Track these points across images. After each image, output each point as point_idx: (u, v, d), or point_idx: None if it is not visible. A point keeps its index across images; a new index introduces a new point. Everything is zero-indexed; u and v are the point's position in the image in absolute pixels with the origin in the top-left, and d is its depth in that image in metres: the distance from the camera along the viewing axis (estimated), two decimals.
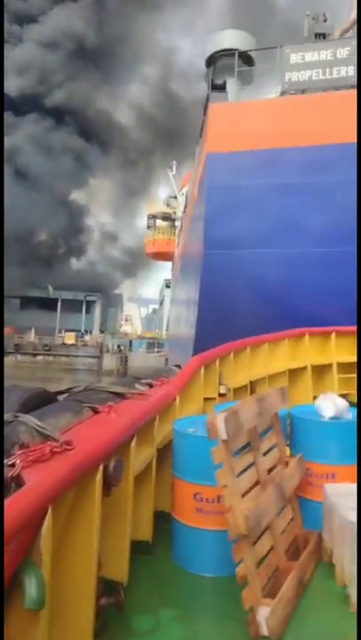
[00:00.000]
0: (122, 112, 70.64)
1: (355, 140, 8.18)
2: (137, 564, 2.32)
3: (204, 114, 10.46)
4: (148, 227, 40.63)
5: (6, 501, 1.19)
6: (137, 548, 2.41)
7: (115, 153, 69.59)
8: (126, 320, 56.09)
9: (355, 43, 8.91)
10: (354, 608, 2.20)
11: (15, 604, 1.27)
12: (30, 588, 1.24)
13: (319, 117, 8.85)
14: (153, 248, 39.56)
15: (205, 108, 10.36)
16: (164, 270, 45.64)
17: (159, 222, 39.58)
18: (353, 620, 2.10)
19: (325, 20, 10.96)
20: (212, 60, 10.91)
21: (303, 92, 9.57)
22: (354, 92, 8.81)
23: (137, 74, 68.08)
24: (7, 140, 56.42)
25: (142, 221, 40.12)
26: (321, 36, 10.50)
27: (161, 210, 40.53)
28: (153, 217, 39.74)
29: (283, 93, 9.81)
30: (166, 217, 37.98)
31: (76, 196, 69.68)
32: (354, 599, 2.21)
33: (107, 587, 2.00)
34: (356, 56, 8.99)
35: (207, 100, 10.49)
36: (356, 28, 9.79)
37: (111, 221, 75.57)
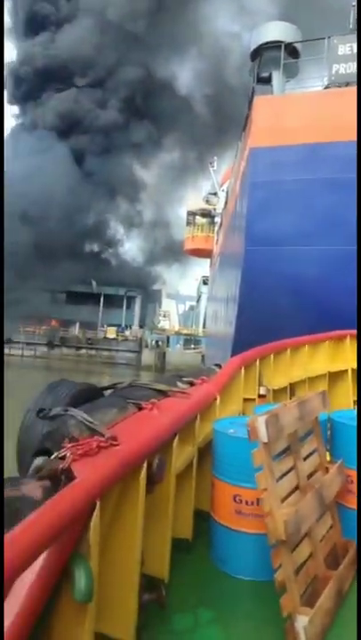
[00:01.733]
0: (181, 88, 67.23)
1: None
2: (177, 562, 2.35)
3: (249, 108, 10.33)
4: (188, 223, 40.68)
5: (59, 494, 1.24)
6: (177, 545, 2.44)
7: (178, 128, 65.97)
8: (164, 316, 56.41)
9: None
10: None
11: (65, 595, 1.32)
12: (80, 580, 1.28)
13: None
14: (192, 245, 39.56)
15: (250, 102, 10.22)
16: (202, 266, 45.61)
17: (198, 219, 39.52)
18: None
19: None
20: (257, 53, 10.74)
21: (347, 84, 9.27)
22: None
23: (187, 58, 65.77)
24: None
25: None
26: None
27: (200, 206, 40.43)
28: (192, 214, 39.74)
29: (327, 86, 9.54)
30: (205, 214, 37.90)
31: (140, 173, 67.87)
32: None
33: (148, 583, 2.04)
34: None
35: (252, 93, 10.35)
36: None
37: (162, 208, 71.76)
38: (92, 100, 60.20)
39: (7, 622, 1.12)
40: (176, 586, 2.24)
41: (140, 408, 2.59)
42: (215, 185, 32.98)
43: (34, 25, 61.12)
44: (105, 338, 47.50)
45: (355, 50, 9.05)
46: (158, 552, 2.16)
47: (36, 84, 61.10)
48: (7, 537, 0.98)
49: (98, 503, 1.39)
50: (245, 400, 4.15)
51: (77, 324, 49.58)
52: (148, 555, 2.00)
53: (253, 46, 10.78)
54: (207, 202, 36.67)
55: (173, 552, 2.29)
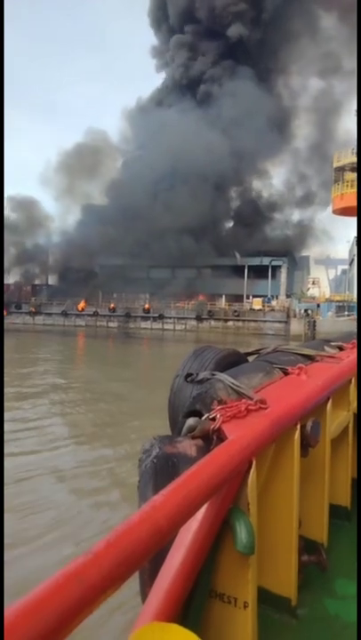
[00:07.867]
0: None
1: None
2: (336, 529, 2.27)
3: None
4: (335, 181, 37.76)
5: (216, 450, 1.28)
6: (336, 512, 2.36)
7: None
8: (313, 283, 53.80)
9: None
10: None
11: (227, 546, 1.37)
12: (241, 532, 1.31)
13: None
14: (341, 204, 36.73)
15: None
16: (353, 227, 41.82)
17: (348, 174, 36.37)
18: None
19: None
20: None
21: None
22: None
23: None
24: None
25: None
26: None
27: (349, 160, 37.01)
28: (340, 169, 36.71)
29: None
30: (355, 167, 34.65)
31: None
32: None
33: (307, 545, 2.01)
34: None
35: None
36: None
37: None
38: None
39: (176, 564, 1.21)
40: (336, 552, 2.16)
41: (287, 373, 2.51)
42: None
43: None
44: (251, 309, 47.62)
45: None
46: (315, 516, 2.11)
47: None
48: (172, 485, 1.03)
49: (254, 461, 1.40)
50: None
51: (223, 297, 50.59)
52: (305, 518, 1.97)
53: None
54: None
55: (332, 519, 2.21)
